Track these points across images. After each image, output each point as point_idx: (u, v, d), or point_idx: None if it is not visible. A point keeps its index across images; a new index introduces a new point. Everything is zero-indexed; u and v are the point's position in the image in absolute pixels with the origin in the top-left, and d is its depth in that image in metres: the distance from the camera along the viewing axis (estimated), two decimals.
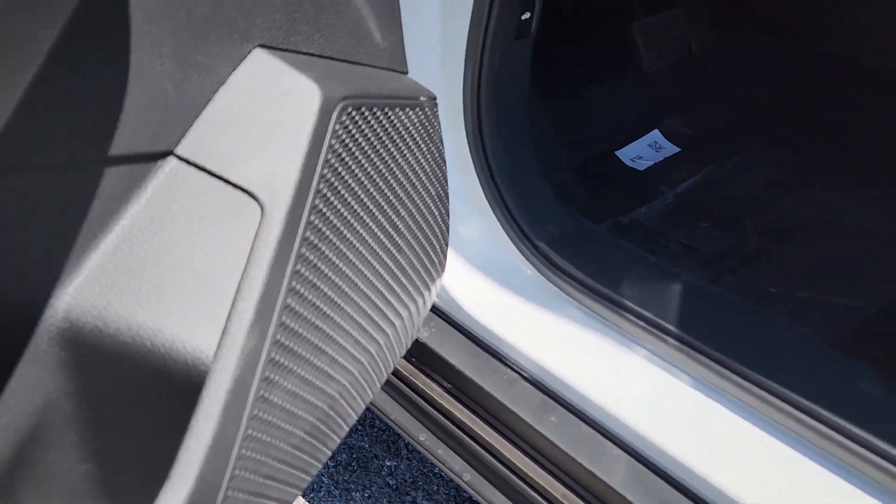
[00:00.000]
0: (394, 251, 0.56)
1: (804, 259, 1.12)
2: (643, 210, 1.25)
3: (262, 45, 0.45)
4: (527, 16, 0.85)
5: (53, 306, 0.41)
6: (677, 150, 1.41)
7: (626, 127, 1.41)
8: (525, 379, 0.81)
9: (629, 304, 0.78)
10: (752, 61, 1.44)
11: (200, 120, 0.43)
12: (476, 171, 0.86)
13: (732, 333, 0.77)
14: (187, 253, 0.41)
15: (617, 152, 1.39)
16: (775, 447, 0.68)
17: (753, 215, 1.23)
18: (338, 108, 0.46)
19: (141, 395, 0.43)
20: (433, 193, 0.62)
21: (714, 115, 1.45)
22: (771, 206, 1.24)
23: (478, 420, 0.82)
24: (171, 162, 0.42)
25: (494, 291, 0.85)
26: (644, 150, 1.41)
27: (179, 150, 0.42)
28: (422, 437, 0.87)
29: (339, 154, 0.46)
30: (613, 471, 0.71)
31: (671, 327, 0.75)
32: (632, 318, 0.77)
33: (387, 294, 0.57)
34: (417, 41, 0.76)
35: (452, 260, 0.86)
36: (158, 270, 0.41)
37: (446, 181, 0.63)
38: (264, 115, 0.44)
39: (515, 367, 0.82)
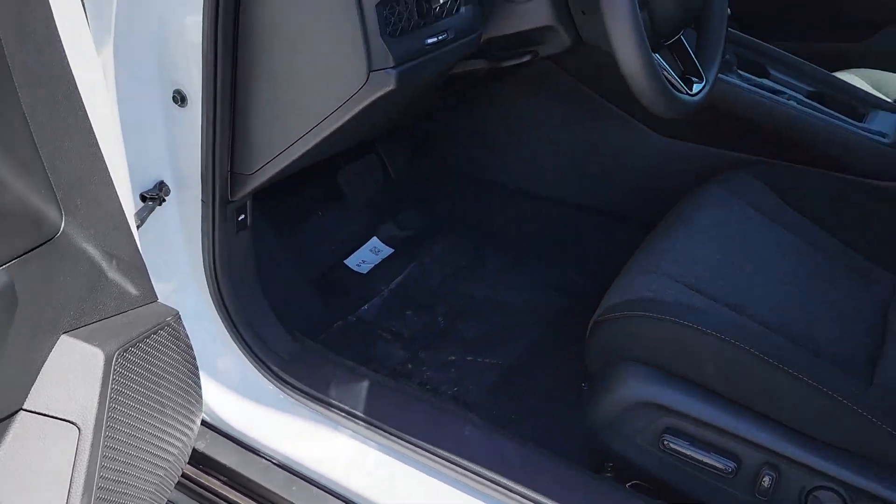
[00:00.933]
0: (163, 418, 0.94)
1: (473, 331, 1.62)
2: (365, 308, 1.70)
3: (65, 332, 0.82)
4: (242, 217, 1.25)
5: None
6: (391, 251, 1.88)
7: (351, 239, 1.86)
8: (274, 464, 1.21)
9: (334, 401, 1.21)
10: (436, 181, 1.95)
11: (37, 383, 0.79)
12: (223, 324, 1.25)
13: (405, 413, 1.22)
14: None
15: (345, 261, 1.83)
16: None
17: (442, 300, 1.72)
18: (115, 358, 0.84)
19: None
20: (185, 371, 1.00)
21: (415, 221, 1.94)
22: (453, 291, 1.74)
23: (247, 498, 1.21)
24: (20, 414, 0.77)
25: (248, 406, 1.25)
26: (366, 255, 1.87)
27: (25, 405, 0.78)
28: None
29: (120, 385, 0.84)
30: None
31: (363, 414, 1.19)
32: (338, 411, 1.20)
33: (161, 443, 0.95)
34: (167, 266, 1.15)
35: (214, 387, 1.24)
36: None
37: (195, 362, 1.02)
38: (74, 374, 0.80)
39: (267, 457, 1.22)
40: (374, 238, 1.90)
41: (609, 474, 1.21)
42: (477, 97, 1.75)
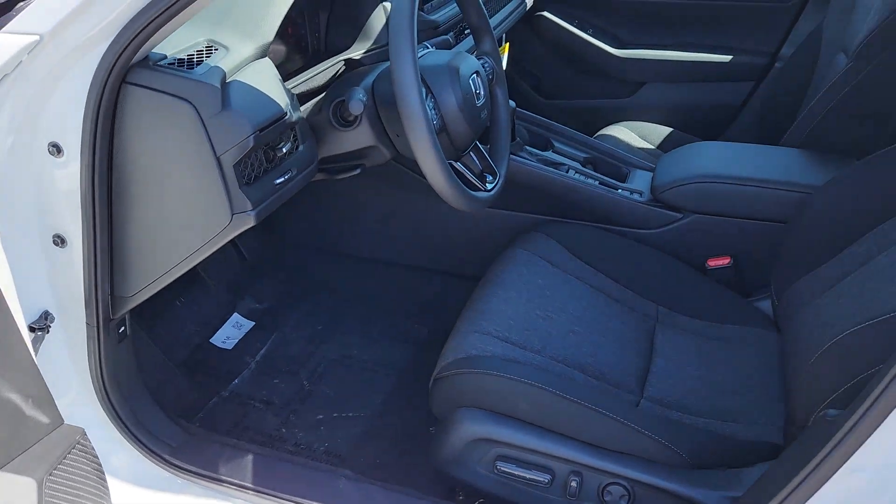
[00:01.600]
0: None
1: (335, 389, 1.86)
2: (236, 381, 1.89)
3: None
4: (122, 329, 1.42)
5: None
6: (253, 324, 2.08)
7: (214, 318, 2.04)
8: None
9: (223, 476, 1.40)
10: (288, 256, 2.17)
11: None
12: (117, 429, 1.41)
13: (285, 475, 1.44)
14: None
15: (211, 339, 2.01)
16: None
17: (304, 365, 1.94)
18: (44, 482, 1.00)
19: None
20: (96, 477, 1.17)
21: (272, 294, 2.15)
22: (314, 354, 1.98)
23: None
24: None
25: (148, 494, 1.42)
26: (230, 332, 2.05)
27: None
28: None
29: (49, 502, 1.01)
30: None
31: (251, 484, 1.40)
32: (228, 485, 1.40)
33: None
34: (60, 386, 1.30)
35: (118, 484, 1.40)
36: None
37: (102, 467, 1.19)
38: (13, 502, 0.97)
39: None
40: (236, 314, 2.09)
41: (461, 498, 1.49)
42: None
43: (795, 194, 1.70)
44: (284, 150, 1.24)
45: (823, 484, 0.97)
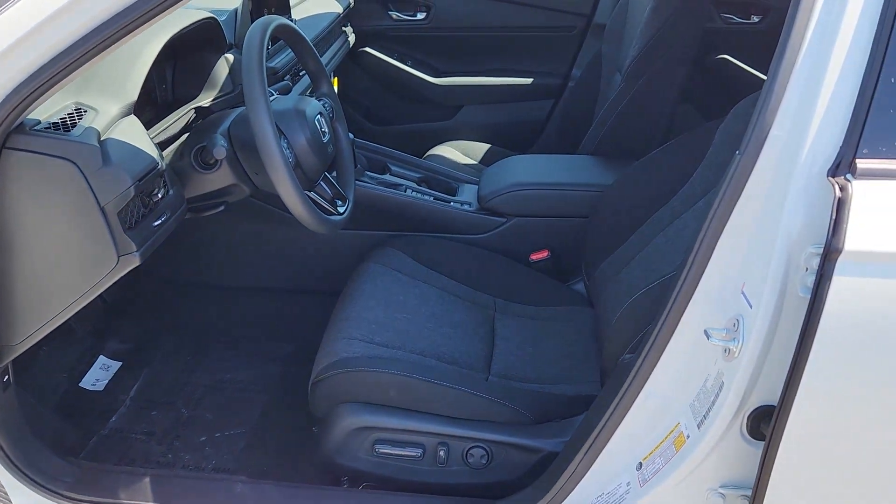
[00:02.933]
0: None
1: (213, 412, 1.99)
2: (114, 419, 1.96)
3: None
4: (6, 377, 1.49)
5: None
6: (120, 363, 2.15)
7: (80, 363, 2.09)
8: None
9: (124, 502, 1.51)
10: (149, 293, 2.26)
11: None
12: (13, 475, 1.47)
13: (185, 491, 1.57)
14: None
15: (80, 384, 2.06)
16: None
17: (179, 394, 2.05)
18: None
19: None
20: None
21: (135, 332, 2.22)
22: (188, 383, 2.09)
23: None
24: None
25: None
26: (98, 374, 2.11)
27: None
28: None
29: None
30: None
31: (144, 503, 1.51)
32: None
33: None
34: None
35: None
36: None
37: None
38: None
39: None
40: (101, 356, 2.15)
41: (346, 483, 1.70)
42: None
43: (592, 193, 2.07)
44: (159, 196, 1.39)
45: (627, 411, 1.28)
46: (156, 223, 1.38)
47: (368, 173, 2.16)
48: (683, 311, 1.21)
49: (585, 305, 1.97)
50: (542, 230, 2.12)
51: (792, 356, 1.06)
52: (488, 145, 2.82)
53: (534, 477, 1.53)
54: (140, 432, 1.92)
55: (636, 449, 1.31)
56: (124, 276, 1.26)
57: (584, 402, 1.62)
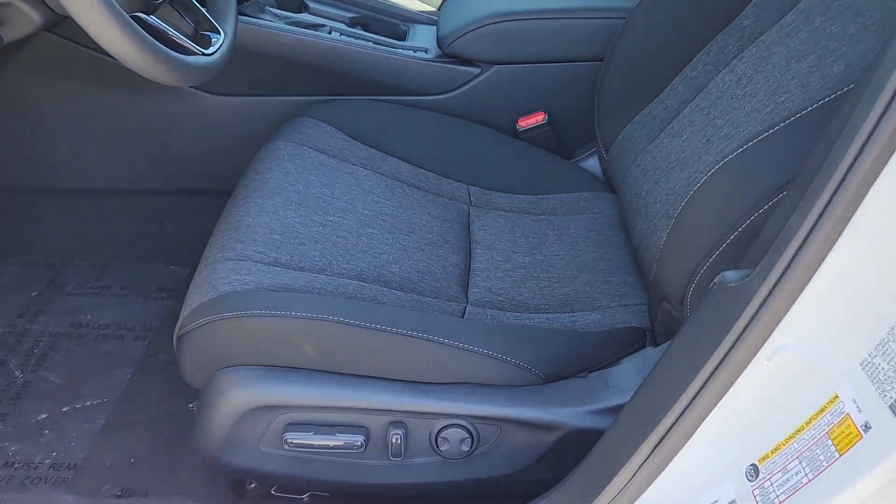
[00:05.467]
0: None
1: (62, 374, 1.35)
2: None
3: None
4: None
5: None
6: None
7: None
8: None
9: None
10: None
11: None
12: None
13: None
14: None
15: None
16: None
17: (14, 349, 1.40)
18: None
19: None
20: None
21: None
22: (28, 332, 1.43)
23: None
24: None
25: None
26: None
27: None
28: None
29: None
30: None
31: None
32: None
33: None
34: None
35: None
36: None
37: None
38: None
39: None
40: None
41: (253, 486, 1.09)
42: None
43: (609, 21, 1.38)
44: None
45: (741, 372, 0.67)
46: None
47: (273, 10, 1.45)
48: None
49: (604, 190, 1.34)
50: (535, 82, 1.44)
51: None
52: None
53: (550, 471, 0.94)
54: None
55: (752, 438, 0.70)
56: None
57: (623, 341, 1.01)
